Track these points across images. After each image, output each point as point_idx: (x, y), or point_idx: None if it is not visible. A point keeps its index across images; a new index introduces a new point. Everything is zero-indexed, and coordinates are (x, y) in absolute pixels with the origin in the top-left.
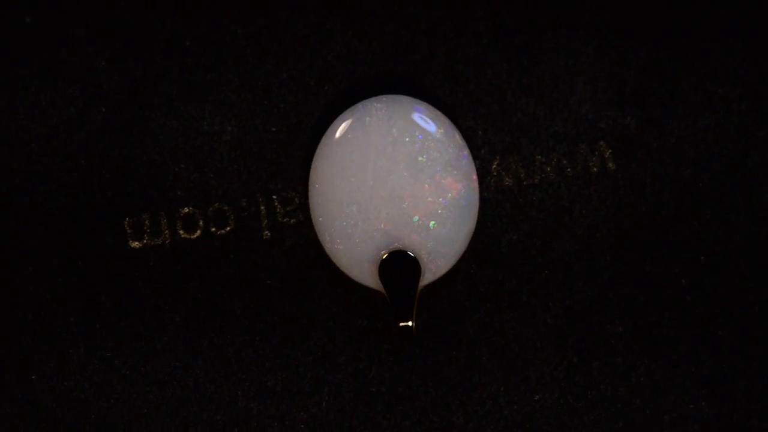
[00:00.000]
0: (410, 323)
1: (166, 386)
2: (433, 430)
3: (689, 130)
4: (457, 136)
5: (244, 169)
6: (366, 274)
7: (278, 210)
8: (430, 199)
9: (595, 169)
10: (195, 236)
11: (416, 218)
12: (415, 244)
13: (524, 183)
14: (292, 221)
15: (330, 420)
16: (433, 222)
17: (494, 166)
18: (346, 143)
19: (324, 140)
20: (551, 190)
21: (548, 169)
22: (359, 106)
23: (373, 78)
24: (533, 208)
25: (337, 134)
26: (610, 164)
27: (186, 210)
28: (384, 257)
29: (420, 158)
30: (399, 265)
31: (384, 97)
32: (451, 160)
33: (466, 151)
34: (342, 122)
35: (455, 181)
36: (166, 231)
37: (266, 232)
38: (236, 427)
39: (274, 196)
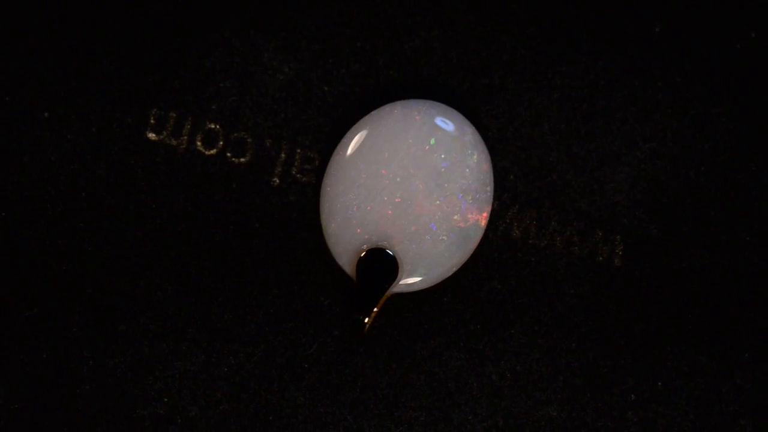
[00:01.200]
0: (365, 319)
1: (116, 274)
2: (340, 425)
3: (704, 264)
4: (488, 169)
5: (282, 113)
6: (346, 258)
7: (296, 163)
8: (437, 216)
9: (600, 258)
10: (209, 153)
11: (415, 228)
12: (404, 250)
13: (530, 241)
14: (303, 179)
15: (252, 374)
16: (429, 238)
17: (510, 213)
18: (385, 131)
19: (366, 119)
20: (552, 259)
21: (558, 239)
22: (413, 102)
23: (437, 83)
24: (527, 268)
25: (380, 119)
26: (617, 261)
27: (212, 126)
28: (367, 250)
29: (445, 174)
30: (379, 262)
31: (440, 105)
32: (473, 189)
33: (490, 187)
34: (390, 110)
35: (468, 210)
36: (185, 137)
37: (276, 179)
38: (164, 341)
39: (298, 150)
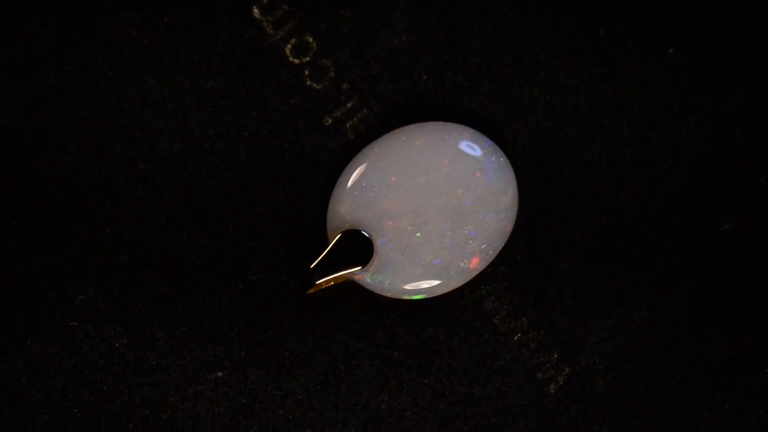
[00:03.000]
0: (316, 282)
1: (134, 98)
2: (228, 356)
3: None
4: (505, 236)
5: (373, 70)
6: (334, 223)
7: (354, 119)
8: (433, 243)
9: (540, 375)
10: (291, 59)
11: (408, 240)
12: (385, 251)
13: (494, 320)
14: (351, 136)
15: (187, 262)
16: (414, 255)
17: (494, 285)
18: (444, 144)
19: (435, 125)
20: (500, 347)
21: (518, 335)
22: (485, 139)
23: (517, 137)
24: (475, 339)
25: (448, 132)
26: (552, 387)
27: (310, 39)
28: (351, 229)
29: (466, 215)
30: (356, 244)
31: (504, 158)
32: (479, 242)
33: (494, 252)
34: (461, 131)
35: (462, 257)
36: (282, 33)
37: (329, 120)
38: (138, 184)
39: (365, 110)
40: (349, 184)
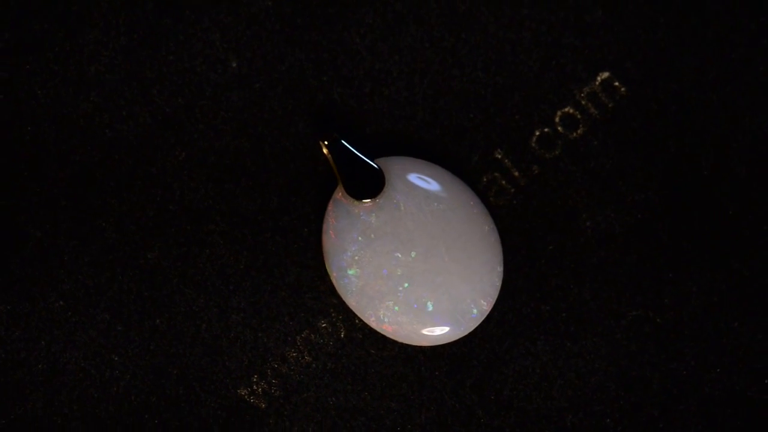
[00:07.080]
0: (328, 147)
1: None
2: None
3: None
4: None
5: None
6: (380, 164)
7: (495, 190)
8: (402, 276)
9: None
10: (527, 137)
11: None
12: (369, 230)
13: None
14: (517, 182)
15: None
16: (395, 283)
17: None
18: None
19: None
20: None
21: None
22: (492, 297)
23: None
24: (309, 351)
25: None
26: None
27: (556, 131)
28: (379, 168)
29: (434, 302)
30: (370, 176)
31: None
32: (392, 337)
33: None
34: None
35: (398, 320)
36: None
37: (485, 180)
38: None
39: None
40: (416, 164)
